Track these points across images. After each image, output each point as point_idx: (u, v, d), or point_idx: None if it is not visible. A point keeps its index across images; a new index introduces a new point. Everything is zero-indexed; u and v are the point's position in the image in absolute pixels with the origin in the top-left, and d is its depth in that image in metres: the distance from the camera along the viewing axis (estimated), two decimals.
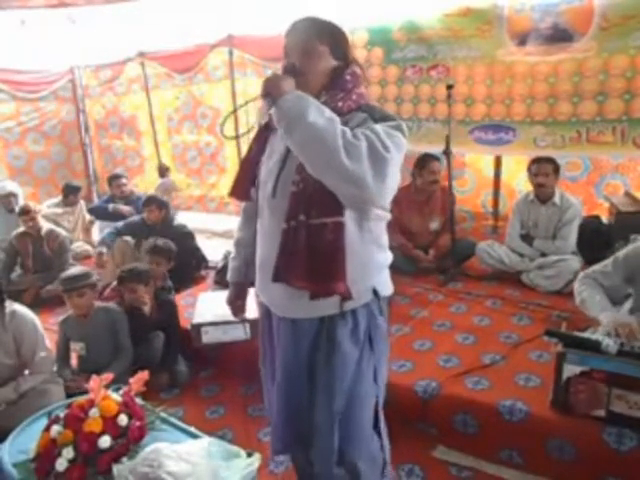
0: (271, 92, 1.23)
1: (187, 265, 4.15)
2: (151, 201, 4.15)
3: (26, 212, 4.07)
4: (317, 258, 1.33)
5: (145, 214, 4.13)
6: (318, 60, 1.37)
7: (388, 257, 1.54)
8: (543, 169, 3.37)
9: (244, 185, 1.55)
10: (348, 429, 1.47)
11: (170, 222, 4.21)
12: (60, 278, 2.75)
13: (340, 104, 1.36)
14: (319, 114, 1.19)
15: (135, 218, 4.35)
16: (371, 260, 1.45)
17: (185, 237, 4.22)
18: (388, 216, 1.49)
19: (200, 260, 4.30)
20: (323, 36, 1.38)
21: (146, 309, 2.91)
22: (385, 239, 1.52)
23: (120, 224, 4.27)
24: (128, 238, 4.17)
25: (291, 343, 1.47)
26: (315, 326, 1.44)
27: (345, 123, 1.26)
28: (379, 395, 1.55)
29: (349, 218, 1.35)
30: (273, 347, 1.56)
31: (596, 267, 2.35)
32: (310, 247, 1.33)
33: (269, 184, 1.42)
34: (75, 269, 2.85)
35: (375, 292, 1.46)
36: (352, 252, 1.36)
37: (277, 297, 1.46)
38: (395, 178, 1.27)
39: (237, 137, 1.55)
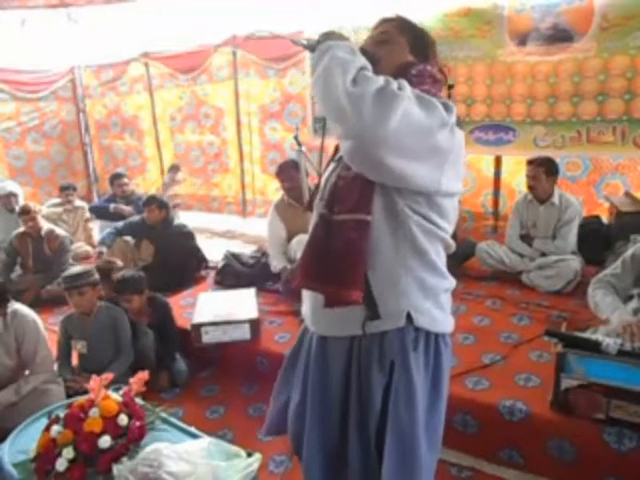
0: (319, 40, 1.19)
1: (187, 265, 4.15)
2: (151, 201, 4.14)
3: (26, 212, 4.06)
4: (333, 258, 1.20)
5: (145, 214, 4.13)
6: (392, 50, 1.28)
7: (442, 283, 1.29)
8: (532, 172, 3.37)
9: None
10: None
11: (170, 222, 4.21)
12: (62, 276, 2.76)
13: None
14: (348, 52, 1.12)
15: (135, 218, 4.35)
16: (407, 275, 1.21)
17: (185, 237, 4.21)
18: (442, 235, 1.24)
19: (200, 260, 4.30)
20: (404, 30, 1.31)
21: (143, 319, 2.94)
22: (436, 257, 1.25)
23: (120, 224, 4.28)
24: (128, 238, 4.17)
25: (320, 366, 1.33)
26: (346, 347, 1.28)
27: None
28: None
29: (380, 219, 1.19)
30: (295, 367, 1.45)
31: (607, 270, 2.35)
32: (329, 245, 1.21)
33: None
34: (77, 267, 2.85)
35: (410, 318, 1.22)
36: (380, 260, 1.20)
37: (308, 307, 1.36)
38: (409, 125, 1.04)
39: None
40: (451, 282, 1.32)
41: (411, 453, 1.24)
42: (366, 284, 1.20)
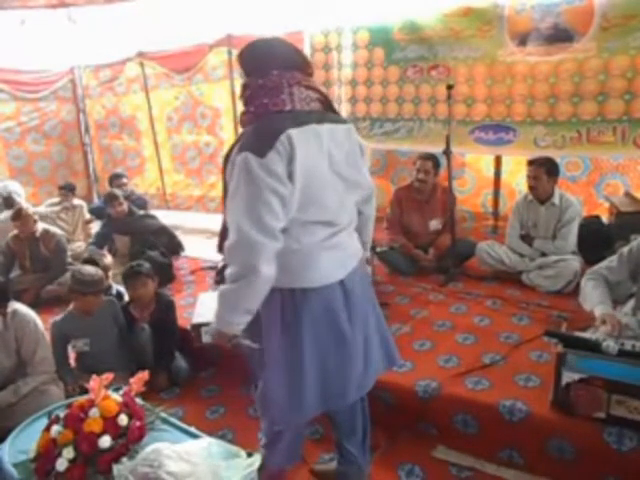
0: None
1: (163, 244, 4.29)
2: (114, 196, 4.31)
3: (17, 218, 4.02)
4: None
5: (114, 209, 4.26)
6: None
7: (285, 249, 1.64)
8: (533, 172, 3.36)
9: None
10: None
11: (134, 211, 4.39)
12: (77, 279, 2.71)
13: (244, 117, 1.60)
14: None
15: (99, 228, 4.59)
16: None
17: (150, 218, 4.43)
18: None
19: (176, 243, 4.45)
20: (238, 60, 1.64)
21: (145, 314, 2.94)
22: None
23: (92, 239, 4.53)
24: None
25: None
26: None
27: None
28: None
29: None
30: None
31: (603, 263, 2.36)
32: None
33: None
34: (89, 270, 2.79)
35: None
36: None
37: None
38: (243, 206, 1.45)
39: None
40: (282, 244, 1.52)
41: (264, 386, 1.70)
42: None
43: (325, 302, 1.62)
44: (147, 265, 2.99)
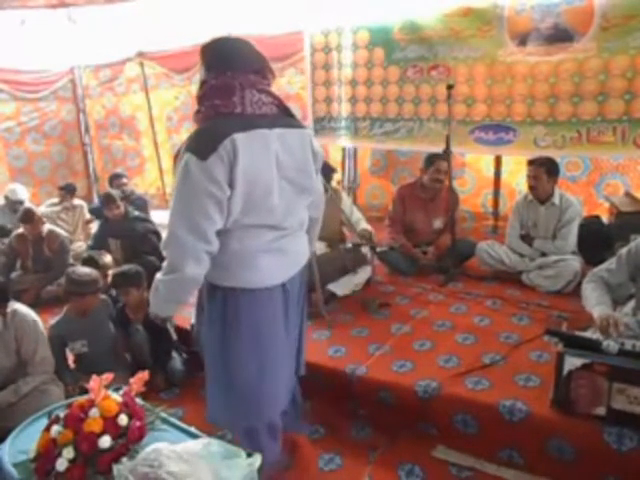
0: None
1: (152, 245, 4.19)
2: (112, 198, 4.23)
3: (29, 221, 4.00)
4: None
5: (111, 211, 4.20)
6: (200, 72, 1.64)
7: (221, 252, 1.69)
8: (533, 172, 3.35)
9: None
10: None
11: (129, 213, 4.33)
12: (69, 278, 2.73)
13: (196, 116, 1.63)
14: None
15: (96, 231, 4.56)
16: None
17: (141, 220, 4.35)
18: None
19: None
20: (201, 54, 1.63)
21: (139, 315, 2.93)
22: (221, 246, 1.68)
23: (90, 242, 4.51)
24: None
25: None
26: None
27: None
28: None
29: None
30: None
31: (603, 265, 2.37)
32: None
33: None
34: (84, 270, 2.82)
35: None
36: None
37: None
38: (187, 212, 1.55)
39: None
40: (216, 246, 1.58)
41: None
42: None
43: (266, 304, 1.67)
44: (134, 270, 2.95)
